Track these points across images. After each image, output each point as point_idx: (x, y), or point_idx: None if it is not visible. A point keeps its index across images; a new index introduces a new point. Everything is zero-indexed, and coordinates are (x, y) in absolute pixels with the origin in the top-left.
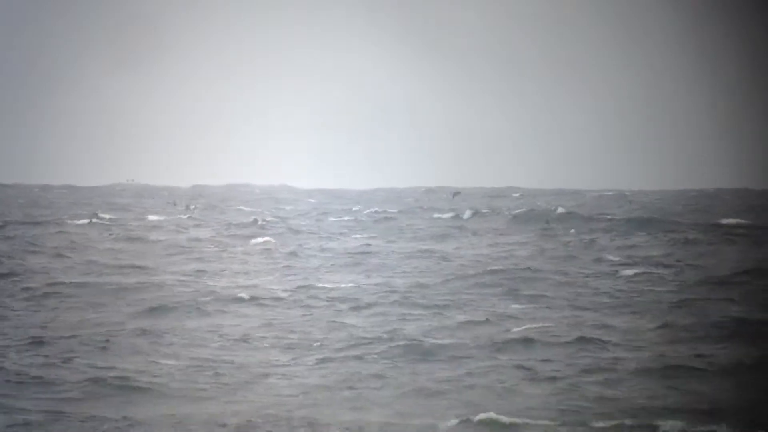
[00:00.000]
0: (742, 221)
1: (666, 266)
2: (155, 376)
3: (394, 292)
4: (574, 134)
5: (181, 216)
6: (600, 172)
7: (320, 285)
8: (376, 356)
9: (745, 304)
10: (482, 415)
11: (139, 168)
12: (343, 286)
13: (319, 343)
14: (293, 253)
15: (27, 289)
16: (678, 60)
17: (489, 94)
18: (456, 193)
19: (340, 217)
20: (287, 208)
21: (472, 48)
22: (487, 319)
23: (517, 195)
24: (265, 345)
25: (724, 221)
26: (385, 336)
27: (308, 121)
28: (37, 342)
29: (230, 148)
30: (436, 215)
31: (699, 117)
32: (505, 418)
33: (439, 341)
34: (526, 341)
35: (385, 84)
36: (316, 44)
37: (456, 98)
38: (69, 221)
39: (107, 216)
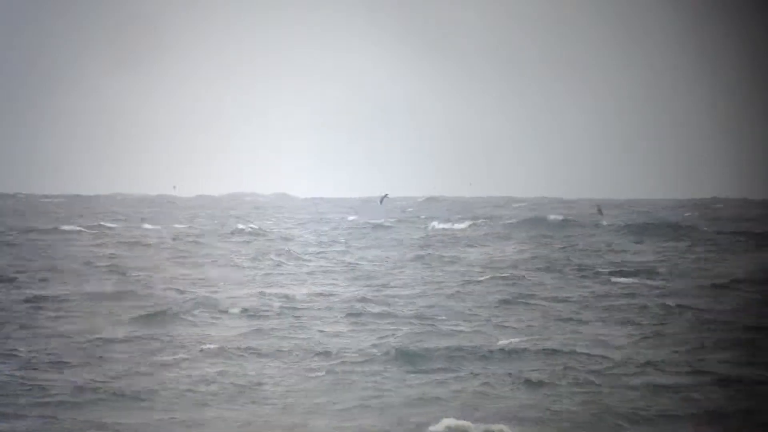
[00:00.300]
0: (739, 229)
1: (661, 274)
2: (146, 384)
3: (385, 302)
4: (574, 134)
5: (179, 225)
6: (600, 172)
7: (313, 294)
8: (365, 364)
9: (741, 312)
10: (451, 422)
11: (139, 168)
12: (335, 294)
13: (310, 351)
14: (286, 263)
15: (21, 294)
16: (678, 60)
17: (489, 94)
18: (383, 197)
19: (337, 226)
20: (286, 217)
21: (472, 48)
22: (478, 330)
23: (523, 205)
24: (258, 353)
25: (720, 229)
26: (374, 344)
27: (308, 122)
28: (31, 348)
29: (230, 148)
30: (432, 224)
31: (699, 117)
32: (476, 426)
33: (429, 349)
34: (516, 351)
35: (385, 84)
36: (316, 44)
37: (456, 98)
38: (64, 228)
39: (107, 224)
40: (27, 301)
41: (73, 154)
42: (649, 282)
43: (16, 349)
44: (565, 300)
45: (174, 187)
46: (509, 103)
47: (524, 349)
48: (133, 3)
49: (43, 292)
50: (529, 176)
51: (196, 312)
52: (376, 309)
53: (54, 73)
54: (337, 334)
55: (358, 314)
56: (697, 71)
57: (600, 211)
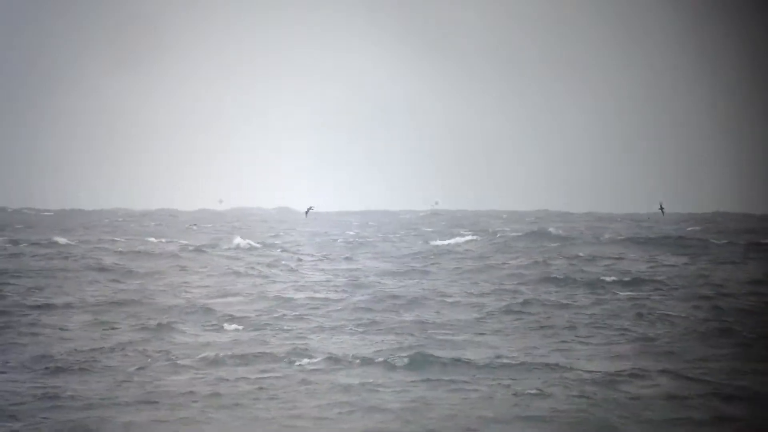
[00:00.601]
0: (738, 241)
1: (662, 284)
2: (149, 388)
3: (386, 311)
4: (574, 134)
5: (182, 241)
6: (600, 172)
7: (314, 303)
8: (366, 371)
9: (742, 322)
10: None
11: (140, 168)
12: (336, 303)
13: (311, 358)
14: (288, 273)
15: (24, 303)
16: (678, 60)
17: (489, 94)
18: (308, 209)
19: (337, 238)
20: (288, 229)
21: (472, 48)
22: (479, 340)
23: (527, 218)
24: (259, 359)
25: (721, 241)
26: (375, 352)
27: (308, 121)
28: (33, 354)
29: (230, 148)
30: (434, 237)
31: (699, 117)
32: None
33: (429, 358)
34: (516, 360)
35: (385, 84)
36: (316, 44)
37: (456, 98)
38: (66, 241)
39: (108, 237)
40: (31, 308)
41: (73, 154)
42: (651, 293)
43: (17, 356)
44: (566, 310)
45: (220, 201)
46: (509, 103)
47: (523, 361)
48: (133, 3)
49: (46, 301)
50: (529, 177)
51: (197, 320)
52: (377, 318)
53: (54, 73)
54: (337, 342)
55: (359, 323)
56: (697, 71)
57: (662, 208)
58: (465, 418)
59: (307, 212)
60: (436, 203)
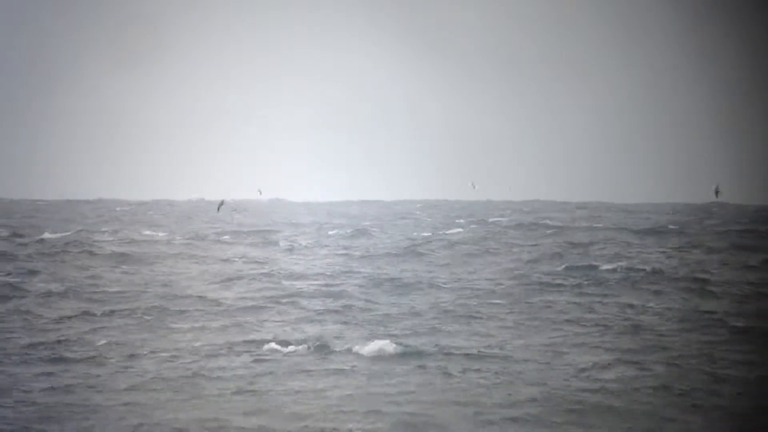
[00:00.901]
0: (734, 228)
1: (654, 271)
2: (150, 375)
3: (374, 300)
4: (574, 134)
5: (176, 234)
6: (600, 172)
7: (308, 293)
8: (356, 359)
9: (730, 313)
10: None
11: (140, 169)
12: (328, 292)
13: (304, 344)
14: (280, 261)
15: (23, 292)
16: (678, 60)
17: (489, 94)
18: (220, 203)
19: (326, 232)
20: (281, 219)
21: (472, 48)
22: (470, 329)
23: (522, 209)
24: (253, 345)
25: (715, 231)
26: (364, 338)
27: (308, 121)
28: (33, 340)
29: (231, 148)
30: (428, 228)
31: (699, 117)
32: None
33: (418, 346)
34: (508, 350)
35: (385, 84)
36: (316, 44)
37: (456, 98)
38: (67, 231)
39: (103, 229)
40: (28, 295)
41: (73, 153)
42: (644, 279)
43: (12, 343)
44: (560, 296)
45: (259, 191)
46: (509, 103)
47: (517, 347)
48: (133, 3)
49: (44, 288)
50: (528, 176)
51: (191, 308)
52: (370, 306)
53: (54, 73)
54: (329, 330)
55: (349, 311)
56: (697, 71)
57: (717, 192)
58: (461, 404)
59: (219, 207)
60: (474, 186)
